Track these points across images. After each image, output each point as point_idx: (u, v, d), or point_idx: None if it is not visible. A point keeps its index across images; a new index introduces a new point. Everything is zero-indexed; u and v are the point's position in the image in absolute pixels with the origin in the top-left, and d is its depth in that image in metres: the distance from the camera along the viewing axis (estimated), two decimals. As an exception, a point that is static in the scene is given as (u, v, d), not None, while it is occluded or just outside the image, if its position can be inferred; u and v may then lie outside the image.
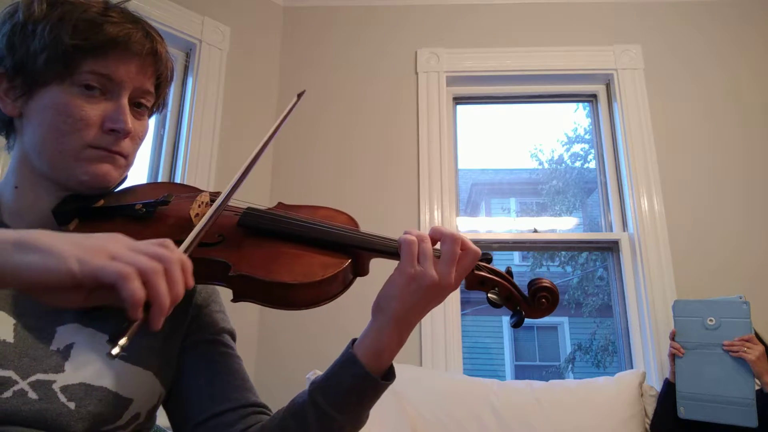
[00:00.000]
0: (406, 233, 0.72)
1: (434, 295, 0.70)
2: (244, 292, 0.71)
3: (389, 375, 0.74)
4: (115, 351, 0.49)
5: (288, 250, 0.74)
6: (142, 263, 0.50)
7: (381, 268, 0.77)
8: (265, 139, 0.80)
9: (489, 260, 0.77)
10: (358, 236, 0.75)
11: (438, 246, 0.72)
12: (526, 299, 0.75)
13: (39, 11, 0.72)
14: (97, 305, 0.54)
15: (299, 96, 0.90)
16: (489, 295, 0.75)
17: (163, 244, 0.54)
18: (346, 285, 0.75)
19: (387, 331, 0.71)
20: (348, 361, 0.72)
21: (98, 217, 0.77)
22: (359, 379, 0.71)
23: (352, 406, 0.71)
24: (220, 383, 0.80)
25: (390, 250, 0.73)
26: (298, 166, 2.58)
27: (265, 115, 2.59)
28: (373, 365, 0.71)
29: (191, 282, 0.55)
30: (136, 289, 0.49)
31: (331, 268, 0.71)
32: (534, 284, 0.75)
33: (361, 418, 0.74)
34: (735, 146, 2.50)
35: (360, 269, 0.77)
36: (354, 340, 0.74)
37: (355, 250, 0.74)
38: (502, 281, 0.76)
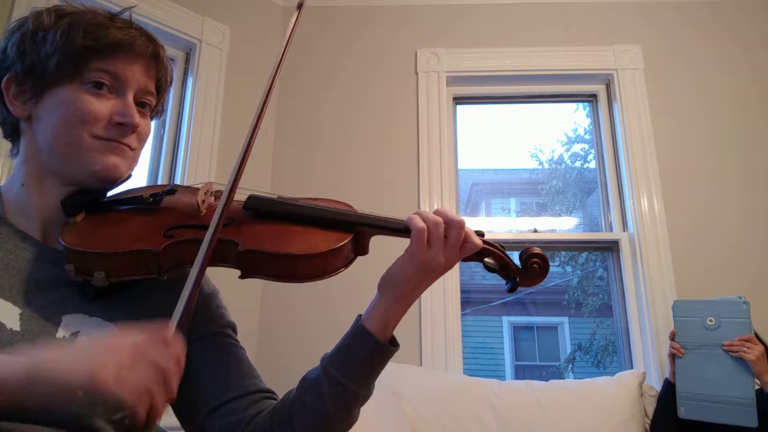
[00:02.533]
0: (416, 216, 0.76)
1: (438, 272, 0.76)
2: (252, 268, 0.75)
3: (394, 342, 0.79)
4: None
5: (292, 228, 0.79)
6: (145, 385, 0.53)
7: (378, 260, 0.79)
8: (276, 66, 0.86)
9: (482, 235, 0.83)
10: (357, 214, 0.81)
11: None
12: (519, 268, 0.81)
13: (48, 21, 0.77)
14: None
15: (299, 6, 0.93)
16: (486, 260, 0.81)
17: (163, 341, 0.56)
18: (348, 262, 0.79)
19: (395, 306, 0.77)
20: (359, 334, 0.77)
21: (105, 210, 0.81)
22: (371, 349, 0.76)
23: (364, 374, 0.77)
24: (230, 372, 0.84)
25: (389, 226, 0.79)
26: (298, 167, 2.57)
27: (265, 115, 2.59)
28: (381, 335, 0.77)
29: (182, 364, 0.58)
30: (142, 415, 0.52)
31: (334, 241, 0.76)
32: (525, 252, 0.81)
33: (370, 388, 0.79)
34: (735, 146, 2.49)
35: (361, 247, 0.81)
36: (359, 316, 0.79)
37: (355, 227, 0.79)
38: (496, 251, 0.81)
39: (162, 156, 2.34)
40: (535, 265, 0.79)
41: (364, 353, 0.76)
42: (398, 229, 0.78)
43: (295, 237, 0.77)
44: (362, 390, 0.77)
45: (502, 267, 0.81)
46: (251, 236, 0.75)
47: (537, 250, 0.80)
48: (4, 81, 0.78)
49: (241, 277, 0.76)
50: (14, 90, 0.78)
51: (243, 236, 0.75)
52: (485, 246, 0.80)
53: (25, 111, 0.78)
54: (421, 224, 0.74)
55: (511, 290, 0.81)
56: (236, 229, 0.78)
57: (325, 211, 0.80)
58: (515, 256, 0.83)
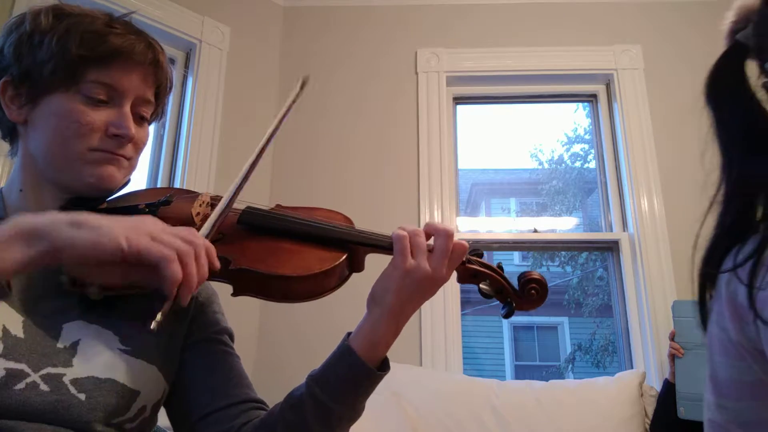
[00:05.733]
0: (399, 229, 0.75)
1: (428, 287, 0.73)
2: (244, 286, 0.74)
3: (384, 366, 0.76)
4: (153, 325, 0.57)
5: (286, 246, 0.76)
6: (179, 246, 0.58)
7: (377, 267, 0.78)
8: (270, 131, 0.83)
9: (480, 255, 0.81)
10: (353, 232, 0.78)
11: (431, 241, 0.75)
12: (516, 291, 0.79)
13: (45, 22, 0.75)
14: (132, 283, 0.61)
15: (303, 83, 0.92)
16: (480, 285, 0.79)
17: (191, 231, 0.61)
18: (343, 279, 0.78)
19: (382, 323, 0.73)
20: (344, 353, 0.74)
21: None
22: (356, 370, 0.73)
23: (348, 396, 0.73)
24: (221, 380, 0.83)
25: (384, 244, 0.76)
26: (298, 166, 2.58)
27: (265, 115, 2.59)
28: (369, 356, 0.73)
29: (216, 264, 0.63)
30: (176, 270, 0.56)
31: (328, 262, 0.74)
32: (523, 277, 0.78)
33: (357, 409, 0.76)
34: (735, 146, 2.49)
35: (356, 265, 0.79)
36: (349, 333, 0.77)
37: (350, 245, 0.77)
38: (493, 274, 0.79)
39: (162, 156, 2.34)
40: (533, 291, 0.77)
41: (349, 375, 0.73)
42: (389, 247, 0.76)
43: (288, 256, 0.75)
44: (348, 411, 0.74)
45: (498, 291, 0.79)
46: (244, 254, 0.74)
47: (536, 275, 0.78)
48: (0, 84, 0.76)
49: (234, 294, 0.74)
50: (10, 93, 0.76)
51: (235, 253, 0.73)
52: (479, 268, 0.78)
53: (21, 115, 0.77)
54: (402, 233, 0.73)
55: (507, 315, 0.78)
56: (229, 245, 0.76)
57: (321, 228, 0.78)
58: (508, 272, 0.80)
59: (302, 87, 0.91)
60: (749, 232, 0.68)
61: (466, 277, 0.79)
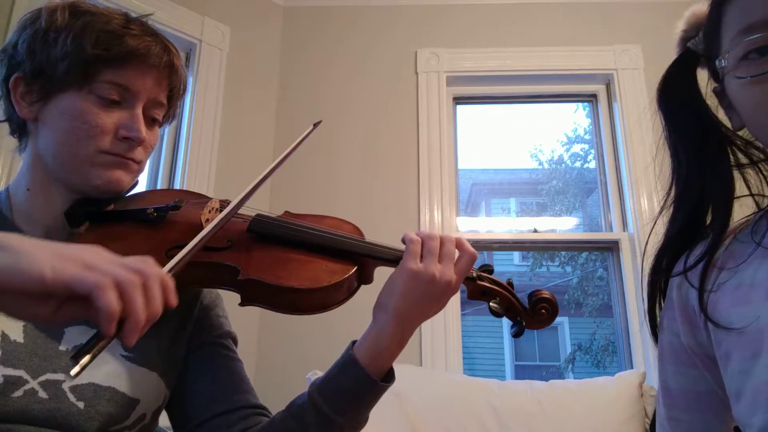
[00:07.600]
0: (410, 232, 0.74)
1: (434, 295, 0.72)
2: (251, 296, 0.73)
3: (389, 377, 0.75)
4: (75, 371, 0.46)
5: (296, 257, 0.75)
6: (119, 274, 0.47)
7: (384, 277, 0.78)
8: (273, 165, 0.83)
9: (491, 272, 0.79)
10: (364, 244, 0.77)
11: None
12: (527, 310, 0.77)
13: (61, 19, 0.74)
14: (66, 320, 0.50)
15: (315, 125, 0.93)
16: (491, 304, 0.77)
17: (144, 260, 0.52)
18: (352, 292, 0.76)
19: (387, 331, 0.72)
20: (348, 363, 0.73)
21: (110, 221, 0.78)
22: (359, 381, 0.72)
23: (351, 407, 0.72)
24: (222, 385, 0.81)
25: (395, 258, 0.75)
26: (297, 167, 2.57)
27: (265, 115, 2.59)
28: (373, 367, 0.72)
29: (172, 301, 0.52)
30: (111, 300, 0.45)
31: (338, 274, 0.72)
32: (534, 295, 0.77)
33: (361, 420, 0.74)
34: (735, 146, 2.49)
35: (365, 277, 0.78)
36: (354, 342, 0.75)
37: (361, 258, 0.76)
38: (503, 292, 0.77)
39: (162, 156, 2.34)
40: (543, 310, 0.76)
41: (352, 385, 0.72)
42: (399, 261, 0.75)
43: (298, 266, 0.74)
44: (350, 423, 0.73)
45: (508, 309, 0.78)
46: (252, 264, 0.73)
47: (546, 293, 0.77)
48: (12, 80, 0.75)
49: (241, 304, 0.73)
50: (22, 90, 0.75)
51: (244, 263, 0.72)
52: (490, 285, 0.77)
53: (32, 113, 0.76)
54: (414, 236, 0.73)
55: (517, 335, 0.77)
56: (238, 254, 0.74)
57: (332, 239, 0.77)
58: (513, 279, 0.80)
59: (315, 127, 0.93)
60: (698, 237, 0.68)
61: (476, 294, 0.78)
